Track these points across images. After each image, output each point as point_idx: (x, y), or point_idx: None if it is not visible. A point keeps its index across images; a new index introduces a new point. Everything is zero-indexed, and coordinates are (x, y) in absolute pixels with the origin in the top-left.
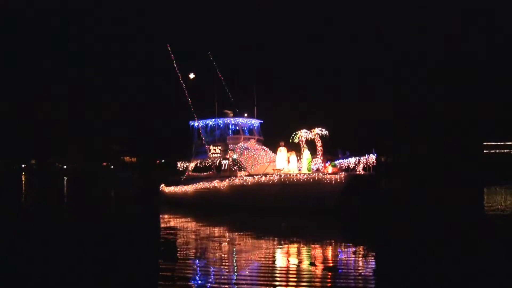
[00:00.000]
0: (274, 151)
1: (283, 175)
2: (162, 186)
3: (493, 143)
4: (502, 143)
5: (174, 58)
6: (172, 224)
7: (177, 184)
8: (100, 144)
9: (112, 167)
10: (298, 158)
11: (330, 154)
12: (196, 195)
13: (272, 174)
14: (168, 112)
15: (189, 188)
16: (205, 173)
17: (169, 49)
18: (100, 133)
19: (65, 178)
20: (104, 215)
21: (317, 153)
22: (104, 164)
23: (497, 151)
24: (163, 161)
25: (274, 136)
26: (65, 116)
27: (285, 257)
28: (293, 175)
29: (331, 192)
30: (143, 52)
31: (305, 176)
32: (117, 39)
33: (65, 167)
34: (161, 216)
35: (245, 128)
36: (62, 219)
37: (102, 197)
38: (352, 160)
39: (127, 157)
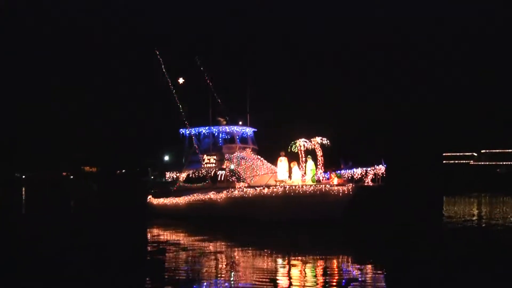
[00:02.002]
0: (269, 161)
1: (287, 186)
2: (150, 198)
3: (452, 154)
4: (461, 153)
5: (163, 62)
6: (162, 239)
7: (166, 196)
8: (60, 153)
9: (72, 177)
10: (299, 168)
11: (332, 165)
12: (189, 208)
13: (274, 185)
14: (131, 120)
15: (181, 200)
16: (198, 184)
17: (157, 53)
18: (60, 142)
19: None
20: (82, 230)
21: (318, 163)
22: (64, 174)
23: (456, 161)
24: (123, 171)
25: (269, 145)
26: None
27: (290, 274)
28: (298, 187)
29: (338, 205)
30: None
31: (312, 188)
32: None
33: (23, 176)
34: (149, 230)
35: (237, 137)
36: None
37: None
38: (358, 171)
39: (87, 167)
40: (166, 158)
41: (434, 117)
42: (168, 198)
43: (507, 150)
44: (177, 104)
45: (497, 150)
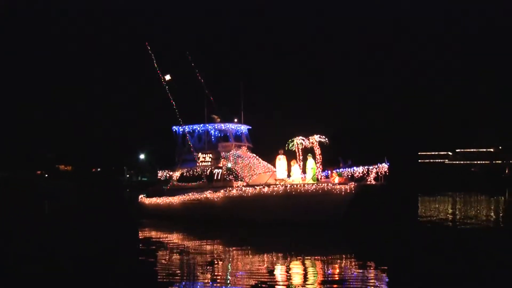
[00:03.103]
0: (264, 159)
1: (288, 185)
2: (142, 197)
3: (428, 153)
4: (436, 152)
5: (155, 58)
6: (155, 240)
7: (159, 195)
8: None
9: (46, 175)
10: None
11: (331, 163)
12: (184, 208)
13: (275, 184)
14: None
15: (175, 199)
16: (193, 183)
17: (149, 48)
18: (33, 140)
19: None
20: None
21: (316, 161)
22: (39, 172)
23: (431, 160)
24: (99, 169)
25: (264, 143)
26: None
27: (291, 276)
28: (300, 186)
29: (341, 204)
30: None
31: (314, 186)
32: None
33: None
34: (141, 230)
35: (231, 135)
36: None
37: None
38: (360, 169)
39: (62, 166)
40: (142, 156)
41: (410, 117)
42: (161, 198)
43: (482, 150)
44: (169, 101)
45: (472, 150)
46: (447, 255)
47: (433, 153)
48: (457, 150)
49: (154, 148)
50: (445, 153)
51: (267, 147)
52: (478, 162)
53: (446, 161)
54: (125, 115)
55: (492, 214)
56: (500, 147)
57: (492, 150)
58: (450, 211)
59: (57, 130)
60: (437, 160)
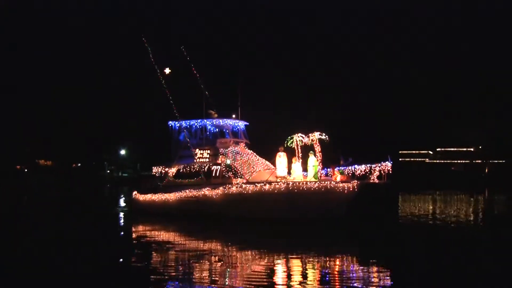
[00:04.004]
0: (262, 156)
1: (290, 183)
2: (135, 194)
3: (408, 152)
4: (417, 151)
5: (151, 52)
6: (150, 238)
7: (154, 192)
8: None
9: (26, 170)
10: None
11: (331, 161)
12: (181, 205)
13: (277, 182)
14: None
15: (171, 196)
16: (190, 180)
17: (145, 41)
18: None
19: None
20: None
21: (317, 159)
22: (18, 167)
23: (411, 159)
24: (79, 164)
25: (262, 139)
26: None
27: (291, 276)
28: (302, 184)
29: (343, 202)
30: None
31: (316, 184)
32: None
33: None
34: (136, 228)
35: (227, 130)
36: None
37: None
38: (362, 167)
39: (42, 160)
40: (122, 152)
41: (391, 115)
42: (156, 194)
43: (462, 149)
44: (166, 94)
45: (452, 149)
46: (444, 254)
47: (413, 151)
48: (437, 149)
49: (136, 144)
50: (426, 152)
51: (264, 143)
52: (458, 161)
53: (427, 160)
54: (107, 110)
55: (480, 212)
56: (480, 147)
57: (472, 149)
58: (431, 209)
59: (37, 124)
60: (417, 159)
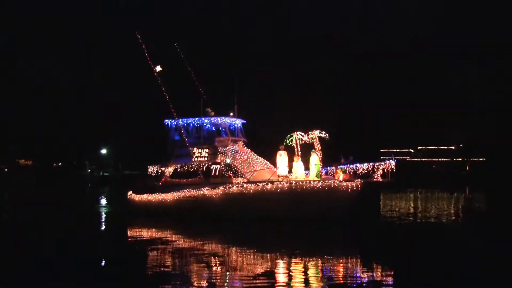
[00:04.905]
0: (260, 155)
1: (294, 182)
2: (131, 194)
3: (389, 150)
4: (398, 150)
5: (146, 48)
6: (148, 239)
7: (150, 192)
8: None
9: (6, 170)
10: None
11: (331, 159)
12: (179, 205)
13: (279, 181)
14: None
15: (169, 196)
16: (189, 179)
17: (139, 37)
18: None
19: None
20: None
21: (319, 157)
22: None
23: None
24: (60, 164)
25: (261, 138)
26: None
27: (293, 277)
28: (306, 183)
29: (347, 201)
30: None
31: (320, 183)
32: None
33: None
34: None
35: (223, 129)
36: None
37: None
38: (365, 166)
39: (23, 160)
40: (103, 151)
41: (372, 114)
42: (153, 194)
43: (443, 147)
44: (162, 91)
45: (433, 147)
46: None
47: (394, 150)
48: (418, 148)
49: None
50: (407, 150)
51: (261, 141)
52: (440, 159)
53: (408, 158)
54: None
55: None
56: (461, 145)
57: (453, 147)
58: (412, 207)
59: (18, 124)
60: (398, 157)
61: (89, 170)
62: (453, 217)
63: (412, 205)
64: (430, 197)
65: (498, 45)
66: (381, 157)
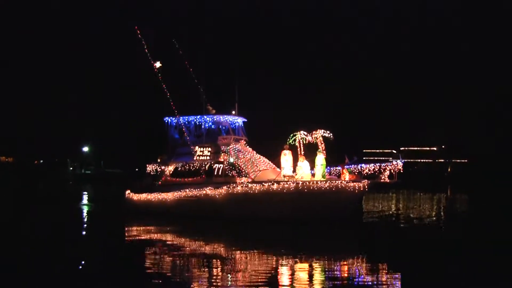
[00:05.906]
0: (262, 154)
1: (300, 182)
2: (129, 193)
3: (372, 151)
4: (380, 150)
5: (146, 44)
6: (147, 240)
7: (150, 191)
8: None
9: None
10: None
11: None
12: (180, 204)
13: (285, 181)
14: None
15: (169, 195)
16: (190, 179)
17: (138, 32)
18: None
19: None
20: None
21: (325, 157)
22: None
23: (375, 158)
24: (41, 161)
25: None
26: None
27: (297, 278)
28: (313, 183)
29: (353, 201)
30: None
31: (328, 184)
32: None
33: None
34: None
35: (223, 127)
36: None
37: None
38: (370, 166)
39: (3, 157)
40: (86, 149)
41: (355, 114)
42: (153, 194)
43: (425, 148)
44: (163, 89)
45: (415, 148)
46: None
47: (377, 150)
48: (401, 148)
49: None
50: (389, 151)
51: (264, 140)
52: (422, 160)
53: (390, 159)
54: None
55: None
56: (443, 146)
57: (435, 148)
58: (393, 207)
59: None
60: (381, 158)
61: (71, 168)
62: (436, 219)
63: (393, 206)
64: (412, 198)
65: (481, 45)
66: (363, 158)
